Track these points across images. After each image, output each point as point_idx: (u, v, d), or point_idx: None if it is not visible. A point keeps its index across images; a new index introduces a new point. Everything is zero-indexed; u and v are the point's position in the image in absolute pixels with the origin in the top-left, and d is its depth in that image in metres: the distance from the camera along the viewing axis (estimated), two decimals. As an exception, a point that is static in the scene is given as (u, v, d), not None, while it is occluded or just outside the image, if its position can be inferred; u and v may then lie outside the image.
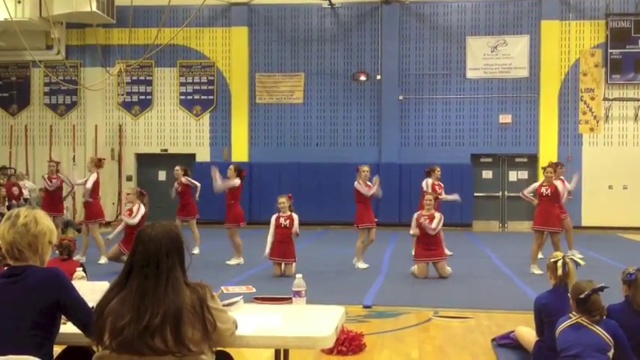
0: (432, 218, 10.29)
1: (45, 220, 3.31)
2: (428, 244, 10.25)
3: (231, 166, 11.71)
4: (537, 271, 10.24)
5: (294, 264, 10.27)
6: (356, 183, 11.01)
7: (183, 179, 12.93)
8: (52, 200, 12.84)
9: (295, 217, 10.30)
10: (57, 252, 7.29)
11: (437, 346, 6.43)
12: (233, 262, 11.45)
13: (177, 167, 13.14)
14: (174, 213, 13.01)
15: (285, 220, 10.24)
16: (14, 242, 3.20)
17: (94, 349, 3.13)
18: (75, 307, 3.18)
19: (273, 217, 10.31)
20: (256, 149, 19.47)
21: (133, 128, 19.99)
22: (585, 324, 4.59)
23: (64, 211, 14.55)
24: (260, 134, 19.59)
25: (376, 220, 11.40)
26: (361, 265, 11.06)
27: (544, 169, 11.05)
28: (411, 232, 10.54)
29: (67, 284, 3.22)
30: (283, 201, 10.28)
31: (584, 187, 17.38)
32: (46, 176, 13.21)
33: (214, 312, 3.00)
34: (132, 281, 2.99)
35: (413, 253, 10.74)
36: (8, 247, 3.22)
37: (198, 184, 13.20)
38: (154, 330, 2.89)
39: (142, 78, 19.83)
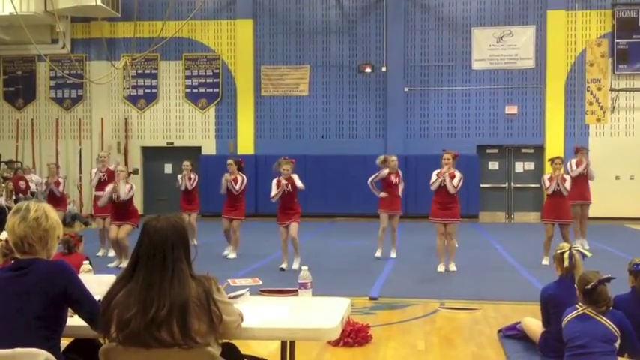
0: (452, 176, 10.03)
1: (54, 214, 3.34)
2: (444, 204, 9.99)
3: (231, 160, 11.72)
4: (546, 262, 10.23)
5: (296, 225, 10.11)
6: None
7: (193, 176, 12.82)
8: (55, 196, 13.10)
9: (295, 176, 10.11)
10: (59, 246, 7.30)
11: (443, 338, 6.44)
12: (232, 254, 11.47)
13: (186, 162, 12.98)
14: (179, 206, 12.93)
15: (286, 186, 10.03)
16: (25, 236, 3.22)
17: (101, 341, 3.14)
18: (81, 300, 3.20)
19: (274, 180, 10.11)
20: (262, 142, 19.48)
21: (139, 122, 20.02)
22: (591, 315, 4.58)
23: (67, 207, 14.67)
24: (266, 127, 19.60)
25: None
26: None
27: (552, 161, 10.88)
28: (432, 186, 10.10)
29: (73, 276, 3.23)
30: (287, 168, 10.07)
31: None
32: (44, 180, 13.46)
33: (220, 304, 3.01)
34: (138, 273, 3.00)
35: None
36: (18, 240, 3.23)
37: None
38: (161, 322, 2.90)
39: (148, 71, 19.84)
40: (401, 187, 11.53)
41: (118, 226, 10.67)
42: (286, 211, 10.12)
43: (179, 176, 12.91)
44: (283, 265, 10.09)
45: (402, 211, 11.83)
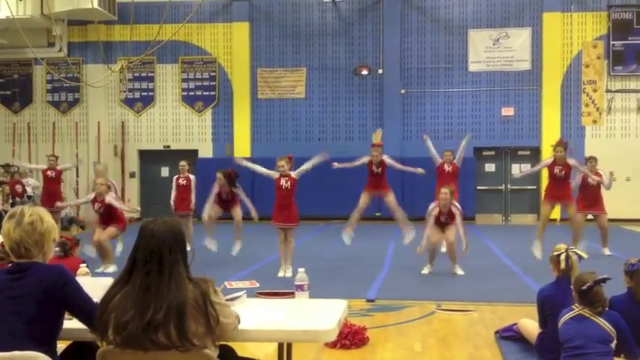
0: (452, 216, 9.60)
1: (48, 218, 3.35)
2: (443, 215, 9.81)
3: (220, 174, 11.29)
4: (538, 254, 10.20)
5: (293, 229, 9.91)
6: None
7: (191, 175, 12.84)
8: (50, 195, 13.05)
9: (294, 174, 9.86)
10: (57, 249, 7.26)
11: (440, 339, 6.45)
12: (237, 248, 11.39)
13: (182, 162, 12.91)
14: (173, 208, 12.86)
15: (286, 182, 9.70)
16: (21, 241, 3.22)
17: (99, 344, 3.15)
18: (79, 303, 3.21)
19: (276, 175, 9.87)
20: (259, 144, 19.48)
21: (136, 125, 20.02)
22: (588, 315, 4.60)
23: (64, 206, 14.57)
24: (262, 129, 19.61)
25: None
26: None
27: (554, 147, 10.80)
28: (425, 237, 9.77)
29: (71, 281, 3.24)
30: (282, 164, 9.74)
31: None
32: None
33: (217, 306, 3.02)
34: (135, 277, 3.01)
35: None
36: (14, 245, 3.24)
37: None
38: (158, 325, 2.91)
39: (144, 74, 19.85)
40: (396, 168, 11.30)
41: (102, 229, 10.64)
42: (283, 211, 9.84)
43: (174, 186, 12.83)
44: (281, 274, 9.81)
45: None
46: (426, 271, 9.99)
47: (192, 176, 12.81)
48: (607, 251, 11.75)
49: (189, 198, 12.70)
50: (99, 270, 10.37)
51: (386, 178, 11.30)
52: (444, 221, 9.71)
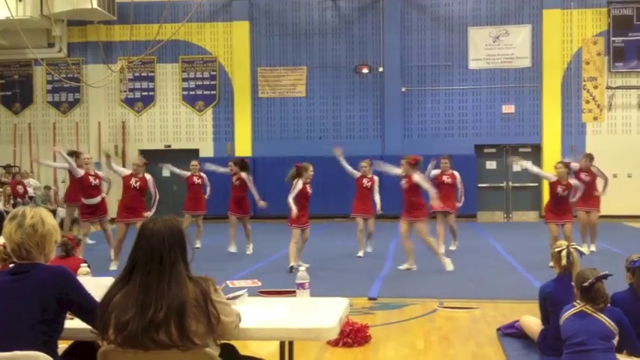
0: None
1: (50, 220, 3.34)
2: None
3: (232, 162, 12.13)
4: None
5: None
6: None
7: (204, 174, 12.96)
8: (75, 189, 12.90)
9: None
10: (58, 249, 7.21)
11: (442, 337, 6.44)
12: (251, 250, 11.86)
13: (194, 162, 13.12)
14: (179, 209, 12.89)
15: (310, 188, 10.29)
16: (22, 243, 3.22)
17: (100, 343, 3.15)
18: (82, 304, 3.20)
19: (301, 184, 10.00)
20: (259, 143, 19.48)
21: (136, 124, 20.02)
22: (590, 312, 4.60)
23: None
24: (263, 128, 19.60)
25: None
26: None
27: (555, 167, 10.57)
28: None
29: (73, 282, 3.24)
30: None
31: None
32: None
33: (218, 305, 3.02)
34: (135, 276, 3.01)
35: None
36: (15, 247, 3.24)
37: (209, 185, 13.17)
38: (159, 324, 2.91)
39: (144, 74, 19.85)
40: (377, 196, 11.70)
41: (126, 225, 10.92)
42: (304, 213, 10.14)
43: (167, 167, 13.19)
44: (294, 264, 9.90)
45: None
46: (450, 267, 10.03)
47: (203, 174, 12.92)
48: (593, 247, 11.61)
49: (201, 198, 12.78)
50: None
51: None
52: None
